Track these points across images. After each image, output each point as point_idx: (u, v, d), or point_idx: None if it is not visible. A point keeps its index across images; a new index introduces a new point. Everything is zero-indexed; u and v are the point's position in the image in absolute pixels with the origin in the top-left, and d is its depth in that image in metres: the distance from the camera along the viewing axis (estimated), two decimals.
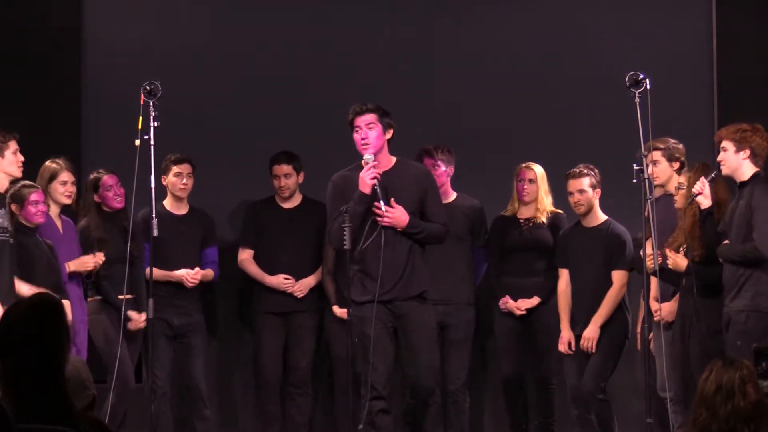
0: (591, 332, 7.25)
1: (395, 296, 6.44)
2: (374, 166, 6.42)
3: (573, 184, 7.35)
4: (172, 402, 7.67)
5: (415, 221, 6.47)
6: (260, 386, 7.85)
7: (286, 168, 7.81)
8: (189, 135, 8.04)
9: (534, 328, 7.54)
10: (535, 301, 7.51)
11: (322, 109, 8.23)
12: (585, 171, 7.34)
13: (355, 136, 6.52)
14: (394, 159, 6.62)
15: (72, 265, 7.04)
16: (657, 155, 6.89)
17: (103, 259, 7.14)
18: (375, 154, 6.48)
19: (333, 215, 6.54)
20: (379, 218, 6.40)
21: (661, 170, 6.91)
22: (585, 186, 7.32)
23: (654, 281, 6.86)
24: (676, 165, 6.93)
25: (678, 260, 6.64)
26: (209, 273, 7.71)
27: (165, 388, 7.56)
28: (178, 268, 7.59)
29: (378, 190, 6.38)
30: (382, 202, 6.38)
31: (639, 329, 7.09)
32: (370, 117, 6.50)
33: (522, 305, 7.51)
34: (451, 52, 8.35)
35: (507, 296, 7.54)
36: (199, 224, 7.74)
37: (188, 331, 7.62)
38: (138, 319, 7.29)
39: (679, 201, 6.74)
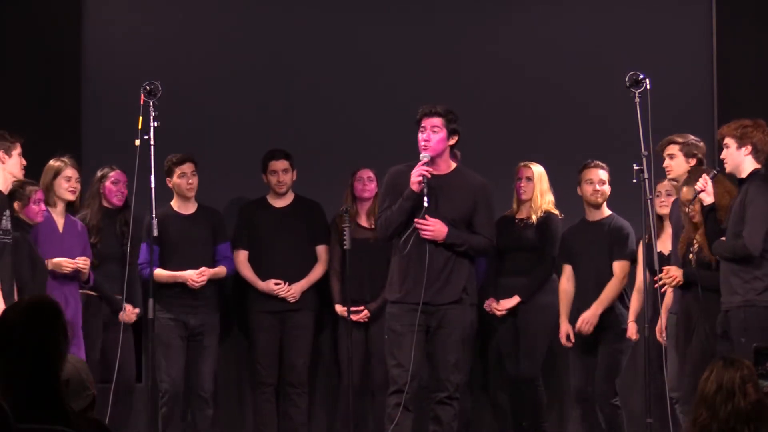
0: (589, 315, 7.27)
1: (429, 300, 6.44)
2: (426, 164, 6.41)
3: (594, 173, 7.38)
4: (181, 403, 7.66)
5: (454, 234, 6.45)
6: (257, 386, 7.84)
7: (284, 163, 7.82)
8: (188, 135, 8.04)
9: (519, 329, 7.53)
10: (514, 300, 7.51)
11: (318, 109, 8.25)
12: (602, 164, 7.40)
13: (419, 135, 6.52)
14: (453, 165, 6.63)
15: (50, 263, 7.01)
16: (674, 149, 6.89)
17: (87, 264, 7.11)
18: (434, 158, 6.49)
19: (383, 206, 6.60)
20: (421, 231, 6.41)
21: (677, 164, 6.89)
22: (604, 177, 7.37)
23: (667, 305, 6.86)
24: (693, 161, 6.89)
25: (675, 275, 6.63)
26: (220, 271, 7.67)
27: (177, 389, 7.56)
28: (190, 268, 7.57)
29: (425, 189, 6.38)
30: (425, 201, 6.36)
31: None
32: (437, 120, 6.50)
33: (501, 306, 7.53)
34: (451, 53, 8.34)
35: (492, 298, 7.57)
36: (208, 222, 7.72)
37: (203, 331, 7.60)
38: (132, 311, 7.30)
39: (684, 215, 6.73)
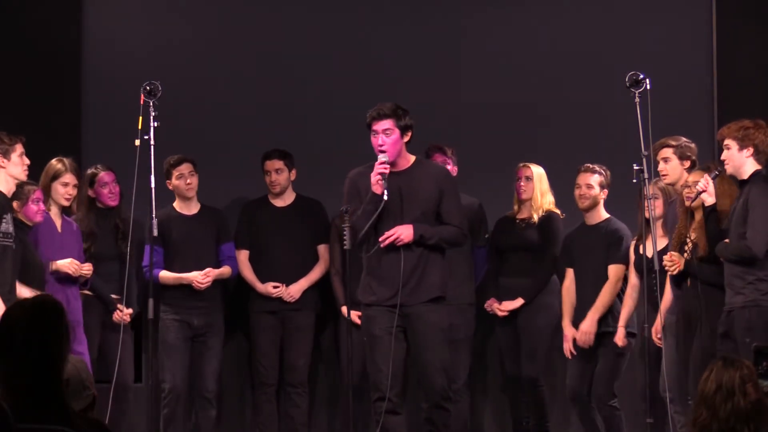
0: (588, 326, 7.27)
1: (403, 301, 6.34)
2: (384, 164, 6.33)
3: (582, 177, 7.38)
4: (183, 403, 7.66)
5: (420, 230, 6.35)
6: (258, 386, 7.84)
7: (277, 163, 7.81)
8: (188, 135, 8.05)
9: (519, 329, 7.54)
10: (518, 302, 7.52)
11: (319, 109, 8.25)
12: (597, 168, 7.38)
13: (373, 139, 6.42)
14: (412, 158, 6.53)
15: (54, 264, 6.99)
16: (668, 152, 6.88)
17: (90, 271, 7.11)
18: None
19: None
20: (395, 243, 6.32)
21: (672, 168, 6.90)
22: (593, 182, 7.36)
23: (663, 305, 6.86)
24: (687, 164, 6.90)
25: (677, 261, 6.62)
26: (225, 271, 7.67)
27: (180, 389, 7.56)
28: (195, 269, 7.58)
29: (386, 191, 6.30)
30: (385, 194, 6.29)
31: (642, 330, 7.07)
32: (387, 123, 6.39)
33: (504, 307, 7.53)
34: (451, 53, 8.34)
35: (493, 298, 7.59)
36: (211, 222, 7.73)
37: (207, 332, 7.60)
38: (124, 311, 7.27)
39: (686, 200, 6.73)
